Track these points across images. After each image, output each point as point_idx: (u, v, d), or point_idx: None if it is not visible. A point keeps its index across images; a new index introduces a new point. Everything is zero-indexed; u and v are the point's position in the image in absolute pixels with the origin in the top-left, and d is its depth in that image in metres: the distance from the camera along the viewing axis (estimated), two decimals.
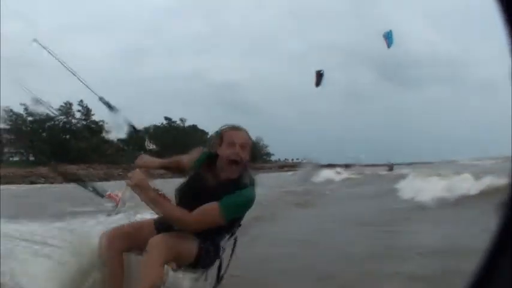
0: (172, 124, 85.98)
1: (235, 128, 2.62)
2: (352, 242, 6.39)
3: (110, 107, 3.03)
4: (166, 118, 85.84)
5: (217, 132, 2.65)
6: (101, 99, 3.04)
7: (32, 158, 64.76)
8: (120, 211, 2.81)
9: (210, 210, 2.41)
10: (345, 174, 35.38)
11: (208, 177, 2.61)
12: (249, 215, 2.70)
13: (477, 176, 12.84)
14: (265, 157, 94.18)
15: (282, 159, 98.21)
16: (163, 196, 2.48)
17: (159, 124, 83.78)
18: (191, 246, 2.51)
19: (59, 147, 64.55)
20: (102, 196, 2.78)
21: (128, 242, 2.60)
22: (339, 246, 6.11)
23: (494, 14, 0.87)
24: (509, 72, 0.87)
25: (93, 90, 3.01)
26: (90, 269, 2.69)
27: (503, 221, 0.88)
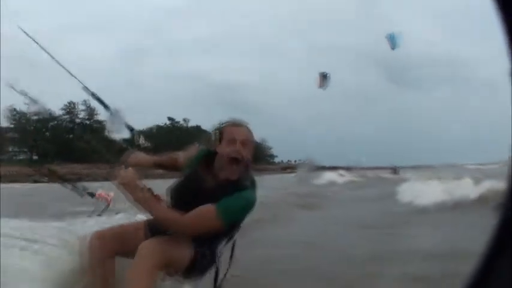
0: (176, 124, 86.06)
1: (236, 124, 2.40)
2: (353, 244, 6.42)
3: (101, 102, 2.84)
4: (169, 118, 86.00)
5: (216, 127, 2.43)
6: (93, 95, 2.87)
7: (35, 157, 65.02)
8: (108, 211, 2.67)
9: (206, 213, 2.19)
10: (347, 176, 35.41)
11: (205, 176, 2.38)
12: (250, 217, 2.42)
13: (477, 180, 12.93)
14: (268, 158, 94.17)
15: (285, 160, 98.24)
16: (155, 196, 2.26)
17: (162, 124, 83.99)
18: (185, 252, 2.28)
19: (63, 146, 64.78)
20: (82, 195, 2.61)
21: (117, 245, 2.40)
22: (340, 248, 6.14)
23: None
24: (508, 72, 0.87)
25: (82, 82, 2.84)
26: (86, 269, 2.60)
27: (501, 221, 0.88)
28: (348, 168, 47.26)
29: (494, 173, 14.24)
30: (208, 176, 2.38)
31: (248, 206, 2.31)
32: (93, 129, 65.67)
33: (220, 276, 2.50)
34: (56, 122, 68.56)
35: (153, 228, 2.39)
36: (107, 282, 2.36)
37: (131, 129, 2.94)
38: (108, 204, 2.56)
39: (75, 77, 2.84)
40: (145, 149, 3.00)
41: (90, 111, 72.21)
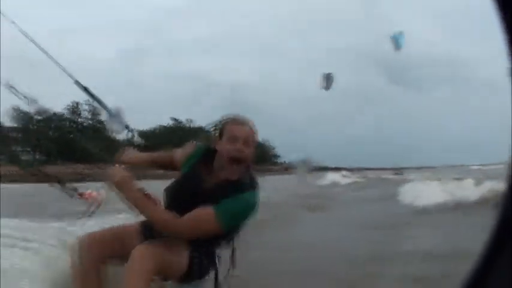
0: (179, 125, 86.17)
1: (238, 120, 2.22)
2: (355, 246, 6.42)
3: (95, 97, 2.67)
4: (172, 119, 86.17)
5: (217, 123, 2.26)
6: (86, 89, 2.70)
7: (38, 157, 65.15)
8: (95, 212, 2.45)
9: (204, 216, 2.04)
10: (351, 177, 35.43)
11: (204, 176, 2.22)
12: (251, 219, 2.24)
13: (479, 181, 12.97)
14: (273, 159, 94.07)
15: (287, 161, 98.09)
16: (150, 197, 2.10)
17: (165, 125, 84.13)
18: (181, 257, 2.13)
19: (66, 146, 64.90)
20: (72, 196, 2.43)
21: (109, 249, 2.22)
22: (341, 249, 6.14)
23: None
24: (508, 72, 0.87)
25: (72, 76, 2.65)
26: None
27: (501, 220, 0.87)
28: (351, 169, 47.33)
29: (496, 173, 14.25)
30: (207, 175, 2.22)
31: (249, 209, 2.14)
32: (95, 129, 65.84)
33: (220, 278, 2.33)
34: (59, 121, 68.77)
35: (148, 231, 2.24)
36: None
37: (127, 127, 2.77)
38: (99, 205, 2.34)
39: (68, 73, 2.68)
40: (144, 148, 2.85)
41: (94, 111, 72.32)
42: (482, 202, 10.32)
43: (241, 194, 2.10)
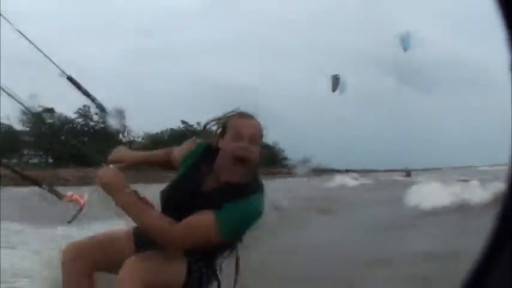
0: (189, 128, 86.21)
1: (244, 116, 1.94)
2: (359, 248, 6.47)
3: (88, 95, 2.55)
4: (183, 122, 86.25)
5: (220, 118, 1.99)
6: (81, 87, 2.36)
7: (50, 160, 65.63)
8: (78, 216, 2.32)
9: (203, 223, 1.77)
10: (359, 180, 35.29)
11: (203, 177, 1.93)
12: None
13: (485, 182, 12.98)
14: (282, 162, 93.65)
15: (290, 163, 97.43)
16: (144, 200, 1.86)
17: (175, 128, 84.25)
18: (178, 270, 1.86)
19: (77, 150, 65.21)
20: (60, 198, 2.33)
21: (96, 259, 1.98)
22: (346, 251, 6.21)
23: None
24: (508, 71, 0.85)
25: (61, 69, 2.47)
26: None
27: (501, 220, 0.87)
28: (359, 171, 47.01)
29: (503, 174, 14.18)
30: (208, 176, 1.93)
31: (254, 216, 1.86)
32: (106, 133, 66.14)
33: None
34: (71, 125, 69.20)
35: (140, 239, 1.99)
36: None
37: (103, 110, 2.42)
38: (81, 208, 2.05)
39: (61, 69, 2.31)
40: (144, 148, 2.61)
41: (103, 115, 72.57)
42: (487, 204, 10.26)
43: (245, 198, 1.82)
